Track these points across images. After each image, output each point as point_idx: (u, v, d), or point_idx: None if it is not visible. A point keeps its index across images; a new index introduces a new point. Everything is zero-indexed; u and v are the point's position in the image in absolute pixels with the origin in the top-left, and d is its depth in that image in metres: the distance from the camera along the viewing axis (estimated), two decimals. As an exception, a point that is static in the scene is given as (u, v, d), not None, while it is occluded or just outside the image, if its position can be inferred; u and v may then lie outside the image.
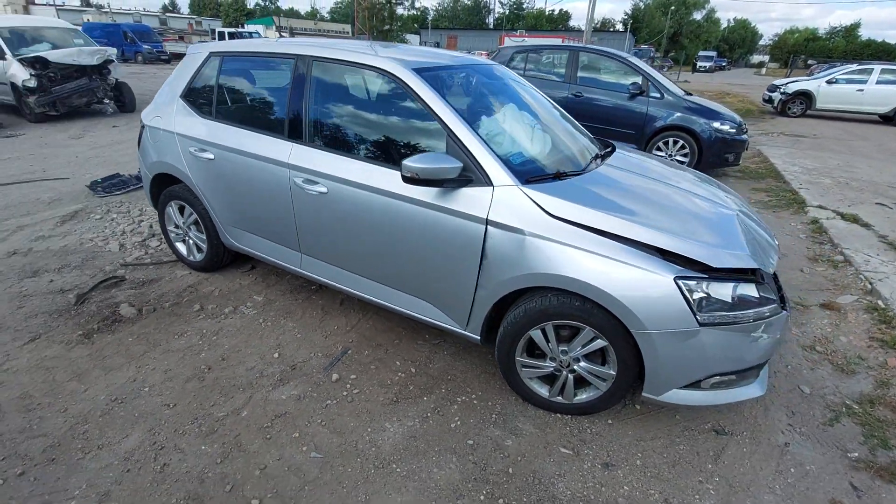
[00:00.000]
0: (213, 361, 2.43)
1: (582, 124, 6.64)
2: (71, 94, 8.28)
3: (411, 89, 2.18)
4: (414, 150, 2.21)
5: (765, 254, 2.03)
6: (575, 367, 2.06)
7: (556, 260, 1.89)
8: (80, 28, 9.98)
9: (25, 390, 2.18)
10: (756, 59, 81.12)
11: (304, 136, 2.46)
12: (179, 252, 3.36)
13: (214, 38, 26.69)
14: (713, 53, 56.44)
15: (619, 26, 67.21)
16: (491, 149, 2.06)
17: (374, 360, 2.50)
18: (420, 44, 41.66)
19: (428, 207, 2.11)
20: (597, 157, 2.56)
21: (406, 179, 1.96)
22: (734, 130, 6.16)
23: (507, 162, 2.07)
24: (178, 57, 27.08)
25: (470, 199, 2.03)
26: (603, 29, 63.66)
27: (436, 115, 2.12)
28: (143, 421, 2.04)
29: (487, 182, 2.02)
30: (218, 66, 2.85)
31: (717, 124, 6.10)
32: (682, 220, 2.00)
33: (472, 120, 2.23)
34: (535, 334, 2.05)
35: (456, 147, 2.07)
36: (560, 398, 2.15)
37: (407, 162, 1.92)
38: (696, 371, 1.87)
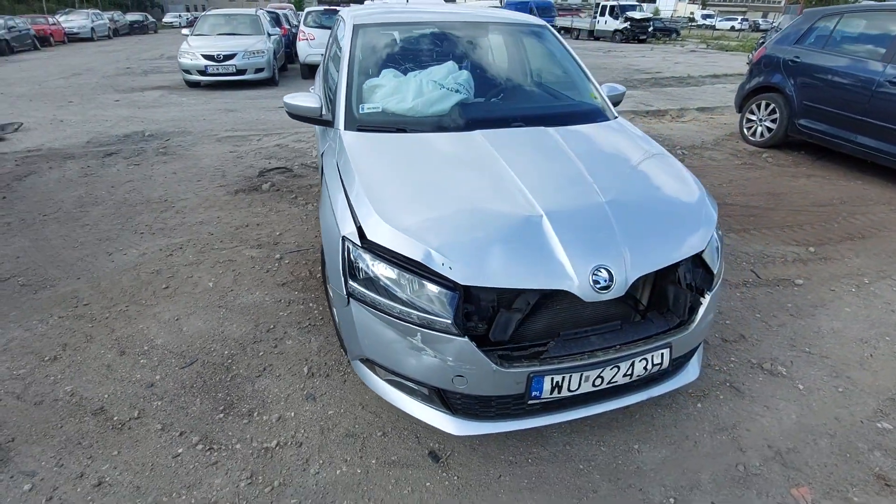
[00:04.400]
0: (253, 224, 3.67)
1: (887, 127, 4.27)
2: None
3: (341, 41, 2.56)
4: None
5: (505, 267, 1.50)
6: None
7: (323, 197, 2.06)
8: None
9: (185, 201, 4.00)
10: None
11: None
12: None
13: (595, 13, 27.87)
14: None
15: None
16: (349, 95, 2.28)
17: (316, 262, 3.16)
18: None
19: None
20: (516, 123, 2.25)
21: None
22: None
23: (354, 109, 2.24)
24: (566, 30, 29.97)
25: (330, 137, 2.35)
26: None
27: (340, 63, 2.46)
28: (188, 234, 3.48)
29: (335, 124, 2.28)
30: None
31: None
32: (444, 201, 1.73)
33: (370, 71, 2.44)
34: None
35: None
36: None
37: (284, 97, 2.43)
38: (356, 345, 1.73)
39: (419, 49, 2.66)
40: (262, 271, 3.03)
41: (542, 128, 2.20)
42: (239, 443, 1.87)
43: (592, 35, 27.72)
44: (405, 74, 2.44)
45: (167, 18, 41.30)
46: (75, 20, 22.94)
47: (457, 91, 2.33)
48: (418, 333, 1.52)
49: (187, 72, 9.43)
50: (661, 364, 1.66)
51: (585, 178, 1.82)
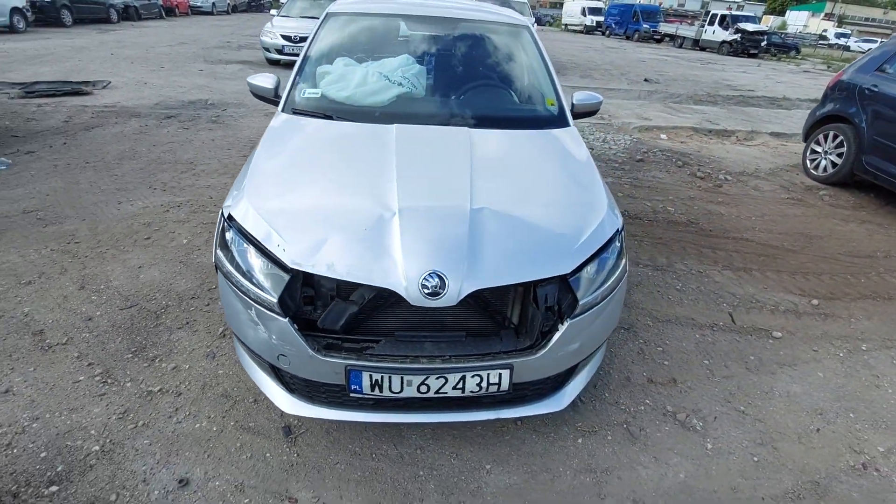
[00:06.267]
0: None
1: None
2: None
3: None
4: None
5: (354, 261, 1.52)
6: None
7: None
8: None
9: (207, 165, 4.38)
10: None
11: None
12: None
13: (704, 21, 25.87)
14: None
15: None
16: (296, 79, 2.38)
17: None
18: None
19: None
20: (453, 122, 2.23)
21: (258, 95, 2.62)
22: None
23: (297, 93, 2.34)
24: (670, 38, 28.14)
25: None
26: None
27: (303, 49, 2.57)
28: (192, 195, 3.81)
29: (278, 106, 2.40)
30: None
31: None
32: (311, 186, 1.81)
33: (326, 58, 2.52)
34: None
35: None
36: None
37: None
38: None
39: (384, 41, 2.70)
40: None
41: (464, 128, 2.14)
42: (130, 382, 2.07)
43: (698, 45, 25.76)
44: (360, 64, 2.49)
45: (283, -1, 44.60)
46: (200, -6, 25.56)
47: (400, 84, 2.34)
48: (252, 308, 1.59)
49: (267, 50, 10.15)
50: (498, 385, 1.58)
51: (465, 184, 1.76)
